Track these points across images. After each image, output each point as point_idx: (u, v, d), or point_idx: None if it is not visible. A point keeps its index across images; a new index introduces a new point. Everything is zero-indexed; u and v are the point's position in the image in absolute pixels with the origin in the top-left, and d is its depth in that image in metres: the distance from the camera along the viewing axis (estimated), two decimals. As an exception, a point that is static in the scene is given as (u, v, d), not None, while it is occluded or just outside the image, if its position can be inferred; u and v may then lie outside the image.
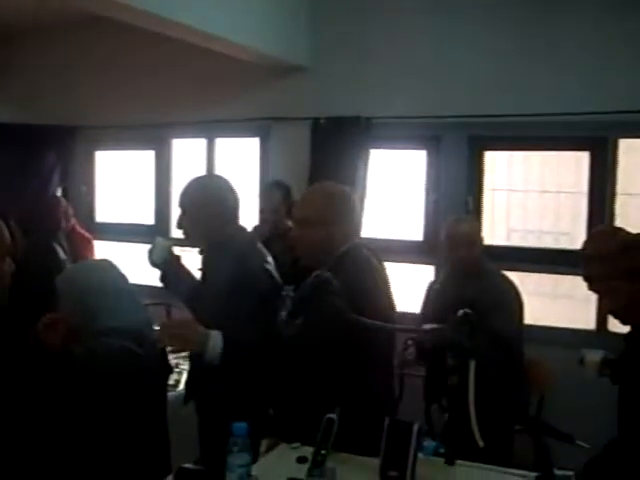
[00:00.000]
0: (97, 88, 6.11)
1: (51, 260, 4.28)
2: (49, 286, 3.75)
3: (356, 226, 2.63)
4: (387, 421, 1.99)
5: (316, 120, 5.14)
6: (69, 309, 2.30)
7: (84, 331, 2.23)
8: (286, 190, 4.66)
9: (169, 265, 2.93)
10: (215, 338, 2.29)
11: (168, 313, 4.68)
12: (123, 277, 2.48)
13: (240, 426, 1.78)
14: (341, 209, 2.48)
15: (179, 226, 2.78)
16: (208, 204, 2.67)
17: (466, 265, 3.55)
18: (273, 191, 4.62)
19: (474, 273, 3.52)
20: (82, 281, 2.39)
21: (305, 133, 5.20)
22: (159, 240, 2.98)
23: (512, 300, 3.50)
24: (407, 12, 4.93)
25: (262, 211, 4.71)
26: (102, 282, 2.38)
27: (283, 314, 2.44)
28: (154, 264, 2.92)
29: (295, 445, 2.19)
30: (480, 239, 3.63)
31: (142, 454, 2.25)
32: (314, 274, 2.13)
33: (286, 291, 2.53)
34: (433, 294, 3.72)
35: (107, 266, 2.51)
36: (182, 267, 2.98)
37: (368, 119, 4.94)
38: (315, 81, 5.21)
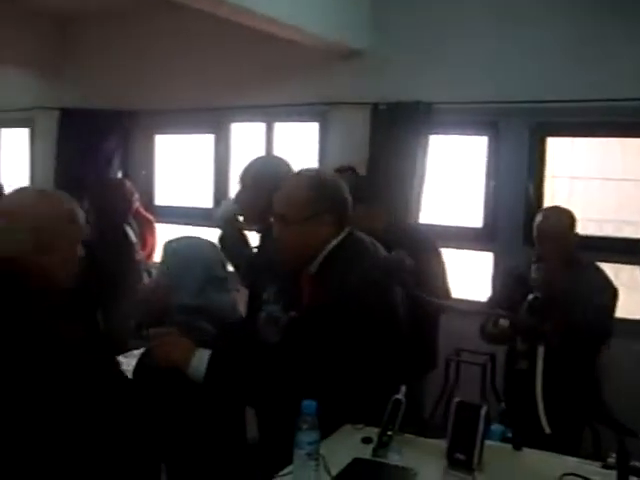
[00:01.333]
0: (157, 73, 6.18)
1: (122, 243, 4.37)
2: (120, 268, 3.85)
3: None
4: (455, 402, 1.99)
5: (375, 105, 5.12)
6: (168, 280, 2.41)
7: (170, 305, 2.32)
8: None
9: (228, 226, 3.00)
10: (200, 358, 2.11)
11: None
12: (219, 259, 2.55)
13: (309, 404, 1.80)
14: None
15: (236, 201, 2.82)
16: (269, 182, 2.68)
17: (557, 257, 3.46)
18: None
19: (566, 264, 3.43)
20: (188, 255, 2.48)
21: (364, 118, 5.18)
22: (226, 200, 3.07)
23: (603, 294, 3.41)
24: (471, -4, 4.88)
25: None
26: (204, 260, 2.47)
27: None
28: (216, 222, 3.01)
29: (359, 426, 2.20)
30: (571, 232, 3.52)
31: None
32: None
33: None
34: (512, 281, 3.60)
35: (209, 245, 2.60)
36: (240, 232, 3.05)
37: (428, 104, 4.90)
38: (375, 66, 5.17)
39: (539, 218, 3.50)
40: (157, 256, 5.10)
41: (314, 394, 1.83)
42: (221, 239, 3.05)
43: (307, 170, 2.45)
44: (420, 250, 3.14)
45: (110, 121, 6.32)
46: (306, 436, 1.80)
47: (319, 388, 1.94)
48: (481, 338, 3.44)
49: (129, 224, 4.72)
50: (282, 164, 2.91)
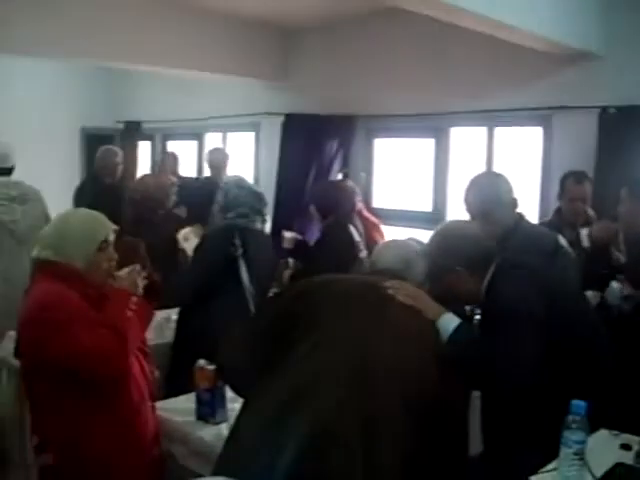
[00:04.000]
0: (377, 77, 6.34)
1: (346, 241, 4.55)
2: (343, 267, 4.04)
3: None
4: None
5: (604, 109, 4.97)
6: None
7: None
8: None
9: None
10: (450, 317, 2.28)
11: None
12: None
13: (579, 404, 1.83)
14: None
15: None
16: None
17: None
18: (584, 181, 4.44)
19: None
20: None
21: (591, 123, 5.04)
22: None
23: None
24: None
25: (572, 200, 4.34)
26: None
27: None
28: None
29: (615, 432, 2.19)
30: None
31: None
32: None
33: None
34: None
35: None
36: None
37: (663, 108, 4.70)
38: (605, 69, 5.02)
39: None
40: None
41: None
42: None
43: None
44: None
45: (331, 125, 6.58)
46: (574, 435, 1.83)
47: None
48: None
49: (353, 224, 4.89)
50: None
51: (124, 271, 2.58)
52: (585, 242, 3.93)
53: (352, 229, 4.62)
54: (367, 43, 6.43)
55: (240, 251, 3.60)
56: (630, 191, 3.87)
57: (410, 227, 5.94)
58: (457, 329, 2.17)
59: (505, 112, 5.51)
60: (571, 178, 4.32)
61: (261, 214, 3.84)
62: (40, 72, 8.31)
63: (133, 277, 2.54)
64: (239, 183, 3.88)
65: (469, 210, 3.22)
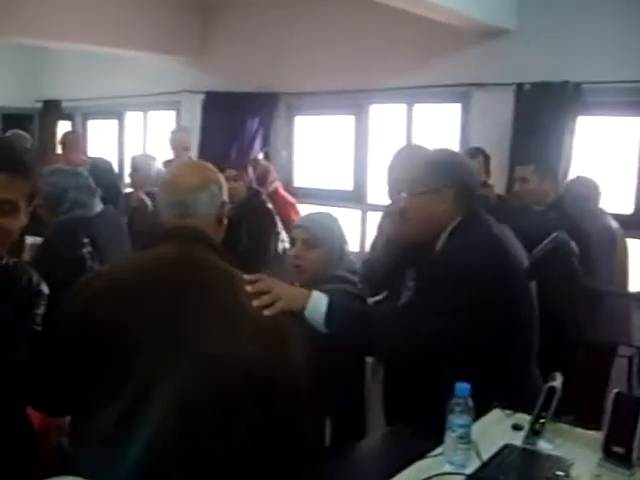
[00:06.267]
0: (298, 55, 6.26)
1: (268, 219, 4.44)
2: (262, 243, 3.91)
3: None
4: (613, 394, 1.90)
5: (520, 85, 4.97)
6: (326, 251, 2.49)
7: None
8: (486, 158, 4.58)
9: None
10: (318, 297, 2.06)
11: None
12: None
13: (463, 387, 1.78)
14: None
15: None
16: None
17: None
18: (478, 156, 4.50)
19: None
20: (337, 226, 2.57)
21: (508, 99, 5.05)
22: None
23: None
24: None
25: None
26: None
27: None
28: None
29: (508, 412, 2.15)
30: None
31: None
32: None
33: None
34: None
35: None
36: None
37: (577, 84, 4.71)
38: (520, 45, 5.02)
39: None
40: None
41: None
42: None
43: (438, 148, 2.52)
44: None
45: (252, 103, 6.46)
46: (458, 419, 1.78)
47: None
48: None
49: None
50: None
51: None
52: None
53: (270, 206, 4.51)
54: (287, 19, 6.33)
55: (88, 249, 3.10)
56: (537, 170, 3.89)
57: (331, 206, 5.85)
58: (329, 311, 2.05)
59: (424, 89, 5.48)
60: (466, 154, 4.34)
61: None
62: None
63: None
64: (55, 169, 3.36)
65: None
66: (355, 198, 5.94)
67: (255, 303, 1.79)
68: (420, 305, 2.17)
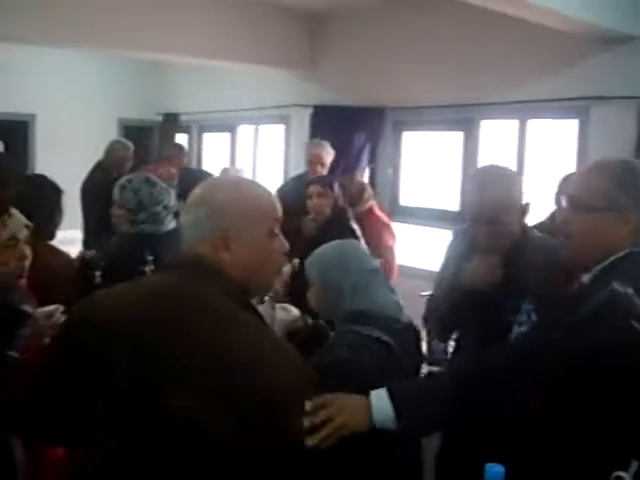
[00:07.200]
0: (406, 69, 5.99)
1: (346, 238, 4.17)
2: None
3: None
4: None
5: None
6: (323, 288, 2.16)
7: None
8: None
9: None
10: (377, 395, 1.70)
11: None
12: (370, 259, 2.25)
13: (496, 469, 1.44)
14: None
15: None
16: None
17: None
18: None
19: None
20: (341, 257, 2.20)
21: (632, 115, 4.58)
22: None
23: None
24: None
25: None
26: (359, 261, 2.18)
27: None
28: None
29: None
30: None
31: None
32: (610, 287, 1.63)
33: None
34: None
35: (356, 246, 2.36)
36: None
37: None
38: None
39: None
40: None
41: None
42: None
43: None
44: None
45: (358, 117, 6.24)
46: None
47: None
48: None
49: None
50: None
51: (45, 310, 2.23)
52: None
53: (355, 226, 4.23)
54: (395, 32, 6.06)
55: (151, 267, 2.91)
56: None
57: (436, 227, 5.56)
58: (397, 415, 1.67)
59: (538, 103, 5.05)
60: None
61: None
62: (77, 63, 8.26)
63: (51, 323, 2.14)
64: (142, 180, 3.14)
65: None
66: (461, 219, 5.56)
67: (309, 442, 1.48)
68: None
